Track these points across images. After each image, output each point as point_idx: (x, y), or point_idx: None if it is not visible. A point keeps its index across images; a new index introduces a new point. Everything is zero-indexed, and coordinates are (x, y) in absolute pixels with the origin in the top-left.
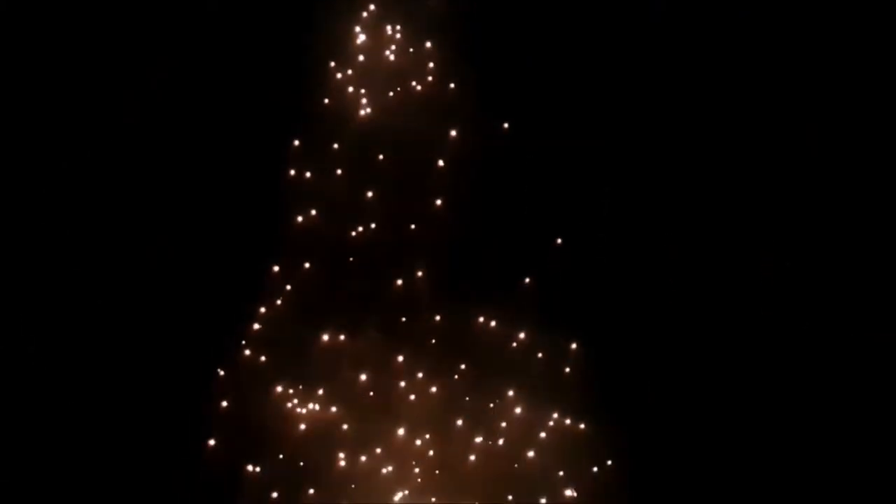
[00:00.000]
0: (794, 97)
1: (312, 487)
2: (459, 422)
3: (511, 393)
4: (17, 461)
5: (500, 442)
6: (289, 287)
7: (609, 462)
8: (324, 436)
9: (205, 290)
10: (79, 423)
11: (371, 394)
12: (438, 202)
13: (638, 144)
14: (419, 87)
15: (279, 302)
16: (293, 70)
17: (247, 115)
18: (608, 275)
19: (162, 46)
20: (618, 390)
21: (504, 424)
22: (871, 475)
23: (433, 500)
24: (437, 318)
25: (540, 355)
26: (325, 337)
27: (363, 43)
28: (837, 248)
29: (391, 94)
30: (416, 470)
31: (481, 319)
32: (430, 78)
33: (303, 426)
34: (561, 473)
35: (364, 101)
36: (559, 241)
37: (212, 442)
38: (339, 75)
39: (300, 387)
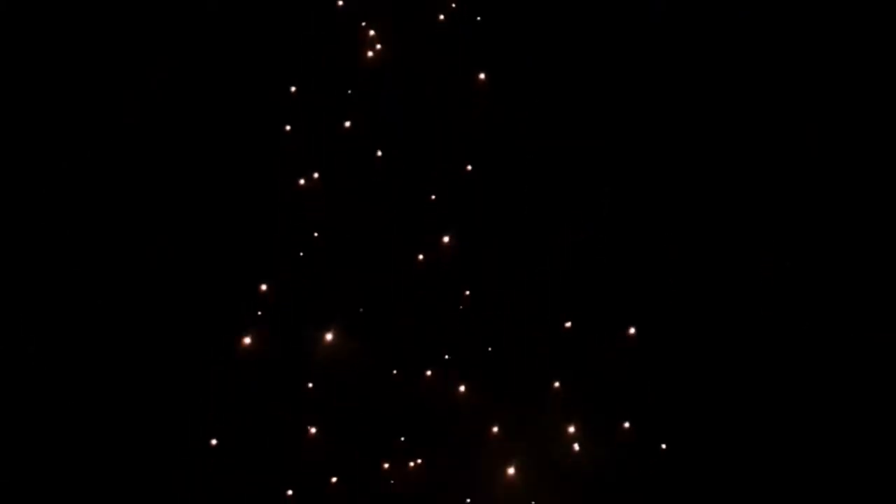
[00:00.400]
0: (794, 97)
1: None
2: (496, 428)
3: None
4: (18, 461)
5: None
6: (291, 269)
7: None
8: (337, 443)
9: (205, 288)
10: (79, 423)
11: (390, 395)
12: (465, 164)
13: (638, 144)
14: (441, 18)
15: (282, 288)
16: (288, 15)
17: (247, 114)
18: (607, 274)
19: (162, 46)
20: (615, 387)
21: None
22: (872, 475)
23: None
24: (461, 307)
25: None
26: (335, 326)
27: None
28: (837, 248)
29: (405, 27)
30: (448, 482)
31: (514, 305)
32: (453, 5)
33: (312, 433)
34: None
35: (372, 33)
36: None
37: (214, 441)
38: (339, 2)
39: (307, 388)
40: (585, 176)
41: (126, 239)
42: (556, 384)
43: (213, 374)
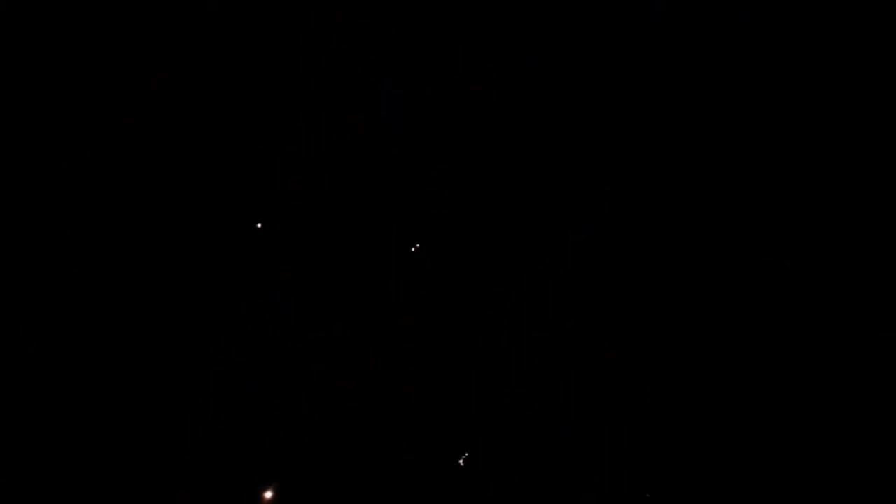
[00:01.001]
0: (794, 97)
1: None
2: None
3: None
4: (18, 461)
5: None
6: (291, 269)
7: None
8: (330, 454)
9: (205, 288)
10: (79, 423)
11: (384, 403)
12: (465, 164)
13: (638, 144)
14: (440, 18)
15: (274, 296)
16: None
17: (247, 114)
18: (607, 274)
19: (162, 46)
20: (615, 387)
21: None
22: (872, 475)
23: None
24: (461, 307)
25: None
26: (328, 336)
27: None
28: (837, 248)
29: (405, 27)
30: (448, 479)
31: (514, 305)
32: (453, 5)
33: (312, 434)
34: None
35: (372, 33)
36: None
37: (210, 443)
38: (340, 2)
39: (307, 388)
40: (585, 176)
41: (126, 239)
42: (557, 384)
43: (213, 374)
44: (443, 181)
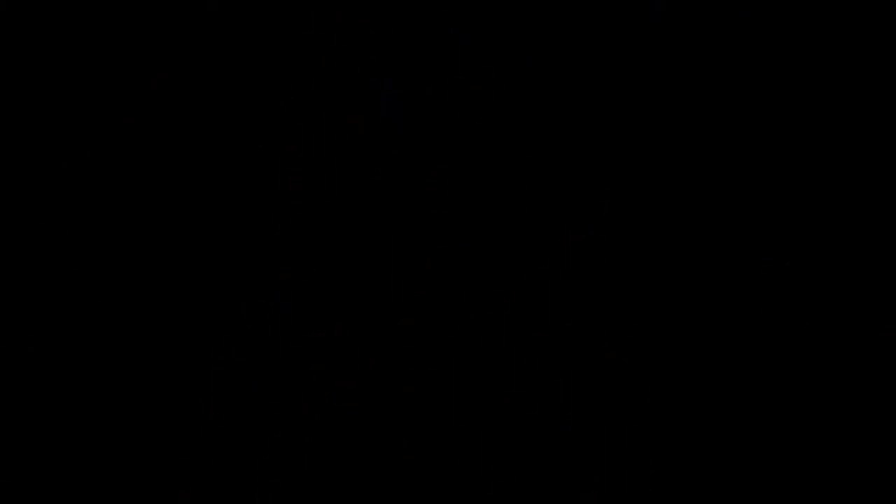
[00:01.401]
0: (794, 97)
1: None
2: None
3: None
4: (18, 461)
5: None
6: (291, 269)
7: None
8: (337, 444)
9: (205, 288)
10: (78, 423)
11: (384, 403)
12: (465, 164)
13: (638, 144)
14: (441, 18)
15: (274, 296)
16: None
17: (247, 114)
18: (607, 274)
19: (162, 46)
20: (615, 387)
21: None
22: (872, 475)
23: None
24: (461, 307)
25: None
26: (328, 336)
27: None
28: (838, 248)
29: (405, 27)
30: (449, 479)
31: (514, 305)
32: (453, 4)
33: (312, 433)
34: None
35: (372, 33)
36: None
37: (210, 443)
38: (339, 2)
39: (307, 388)
40: (585, 176)
41: (126, 239)
42: (557, 384)
43: (213, 374)
44: (443, 181)
